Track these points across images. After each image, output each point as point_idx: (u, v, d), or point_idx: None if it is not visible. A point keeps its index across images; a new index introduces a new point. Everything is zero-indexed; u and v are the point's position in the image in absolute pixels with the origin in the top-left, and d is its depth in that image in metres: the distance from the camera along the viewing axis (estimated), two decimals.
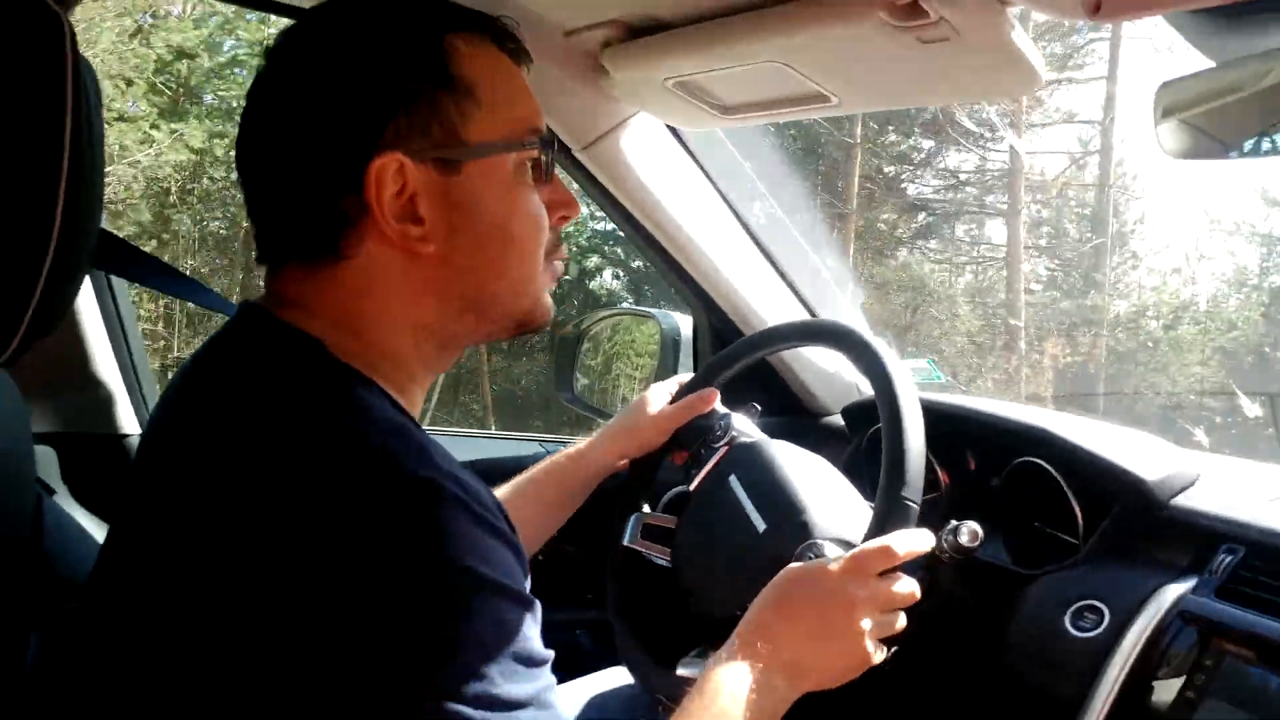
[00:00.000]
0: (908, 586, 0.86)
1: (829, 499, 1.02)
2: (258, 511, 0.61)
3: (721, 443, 1.15)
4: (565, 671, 1.29)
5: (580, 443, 1.20)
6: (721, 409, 1.19)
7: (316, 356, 0.69)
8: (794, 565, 0.87)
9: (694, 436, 1.18)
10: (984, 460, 1.25)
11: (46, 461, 1.30)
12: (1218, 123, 0.74)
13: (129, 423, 1.46)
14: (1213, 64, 0.74)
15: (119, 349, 1.44)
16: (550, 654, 0.66)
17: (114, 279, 1.42)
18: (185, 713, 0.62)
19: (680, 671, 1.00)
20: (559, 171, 0.81)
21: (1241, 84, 0.69)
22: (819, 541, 0.94)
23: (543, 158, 0.76)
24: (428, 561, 0.60)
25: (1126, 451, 1.08)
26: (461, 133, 0.71)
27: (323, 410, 0.66)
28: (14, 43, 0.64)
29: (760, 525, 1.02)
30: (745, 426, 1.17)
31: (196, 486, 0.65)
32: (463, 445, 1.84)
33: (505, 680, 0.60)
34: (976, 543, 0.98)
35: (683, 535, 1.13)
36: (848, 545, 0.93)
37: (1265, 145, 0.72)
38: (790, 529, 0.98)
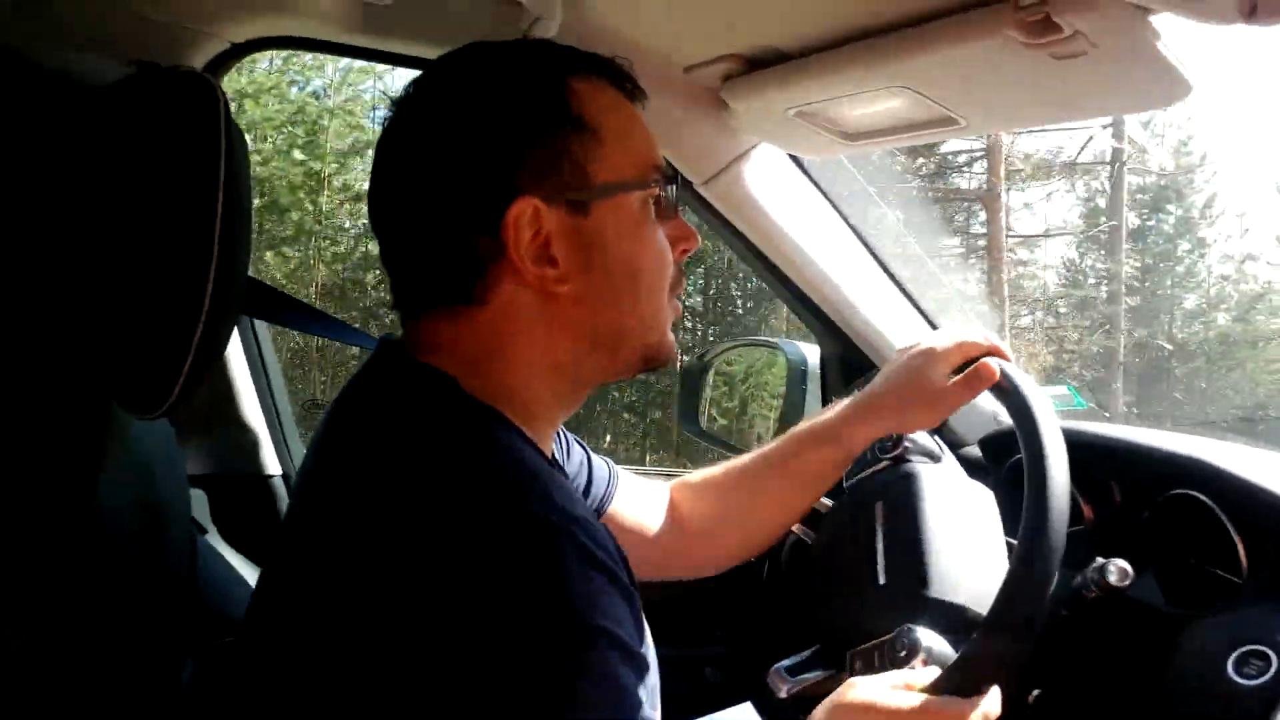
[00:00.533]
0: None
1: (962, 566, 0.95)
2: (388, 546, 0.63)
3: (890, 454, 1.07)
4: (693, 710, 1.29)
5: (830, 414, 1.05)
6: None
7: (450, 393, 0.71)
8: (853, 691, 0.81)
9: None
10: (1131, 492, 1.17)
11: (198, 502, 1.36)
12: None
13: (272, 463, 1.52)
14: None
15: (262, 391, 1.50)
16: (655, 716, 0.65)
17: (257, 321, 1.49)
18: None
19: (770, 677, 0.97)
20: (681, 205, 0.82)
21: None
22: (914, 631, 0.88)
23: (665, 194, 0.77)
24: (546, 611, 0.60)
25: None
26: (589, 173, 0.72)
27: (455, 445, 0.67)
28: (175, 109, 0.68)
29: (882, 578, 0.96)
30: (920, 438, 1.08)
31: (336, 524, 0.67)
32: None
33: None
34: (1126, 581, 0.92)
35: (820, 532, 1.10)
36: (957, 635, 0.87)
37: None
38: (908, 595, 0.93)
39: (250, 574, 1.27)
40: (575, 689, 0.59)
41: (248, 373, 1.48)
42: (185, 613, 0.93)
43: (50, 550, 0.68)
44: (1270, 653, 0.89)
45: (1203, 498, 1.06)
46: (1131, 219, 14.87)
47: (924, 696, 0.79)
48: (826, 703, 0.80)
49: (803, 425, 1.07)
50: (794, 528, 1.11)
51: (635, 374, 0.81)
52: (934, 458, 1.08)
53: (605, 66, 0.76)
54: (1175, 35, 0.83)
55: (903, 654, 0.85)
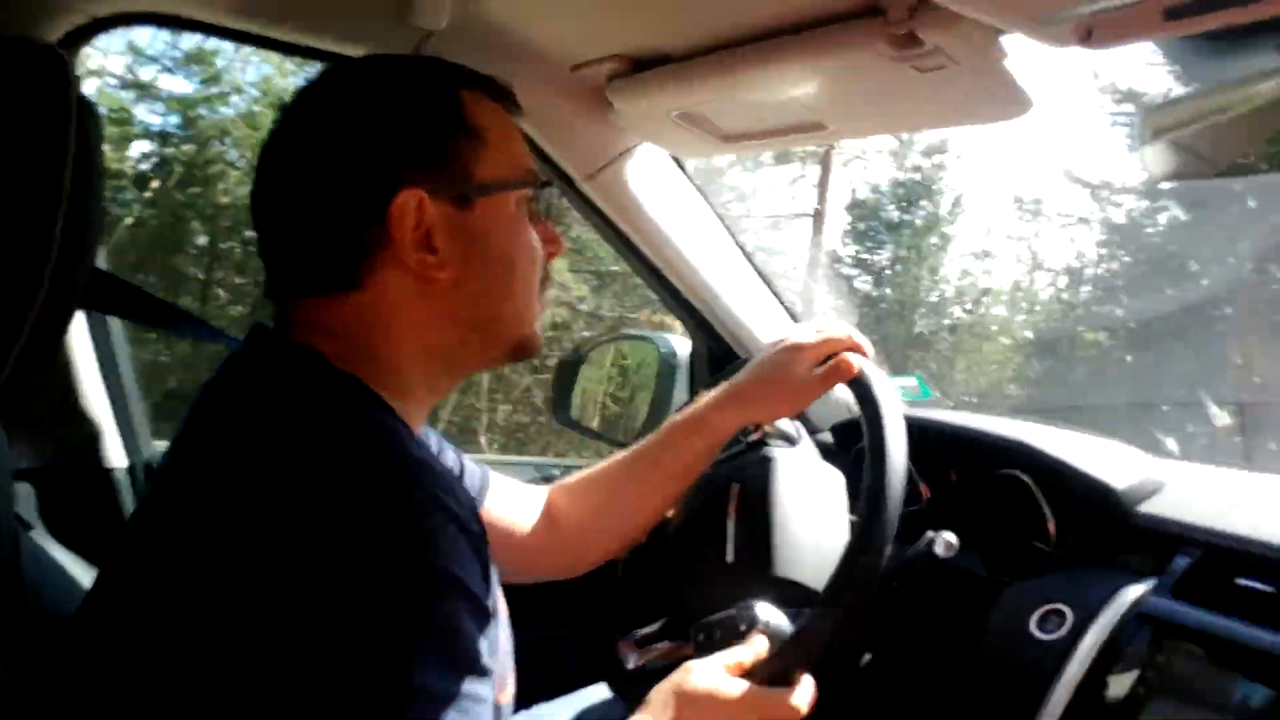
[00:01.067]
0: None
1: (806, 549, 1.00)
2: (249, 509, 0.65)
3: (751, 436, 1.12)
4: (552, 691, 1.30)
5: (699, 404, 1.08)
6: None
7: (317, 366, 0.75)
8: (691, 676, 0.84)
9: None
10: (965, 473, 1.28)
11: (25, 496, 1.28)
12: (1208, 143, 0.78)
13: (116, 456, 1.44)
14: (1196, 87, 0.78)
15: (110, 382, 1.42)
16: (491, 670, 0.68)
17: None
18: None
19: (619, 646, 1.01)
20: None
21: (1230, 105, 0.73)
22: (752, 606, 0.92)
23: (538, 198, 0.84)
24: (399, 555, 0.63)
25: (1097, 460, 1.13)
26: (472, 172, 0.78)
27: (315, 409, 0.71)
28: (18, 83, 0.66)
29: (730, 556, 1.01)
30: (781, 423, 1.13)
31: (198, 498, 0.68)
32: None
33: (442, 677, 0.63)
34: (952, 553, 1.00)
35: (676, 511, 1.13)
36: (795, 614, 0.91)
37: (1254, 163, 0.76)
38: (754, 574, 0.98)
39: (81, 572, 1.20)
40: (420, 634, 0.63)
41: (94, 362, 1.39)
42: (3, 611, 0.88)
43: None
44: (1067, 610, 1.01)
45: (1023, 476, 1.18)
46: (893, 213, 15.74)
47: (748, 685, 0.84)
48: (663, 686, 0.84)
49: (674, 417, 1.12)
50: None
51: (505, 363, 0.87)
52: (791, 441, 1.14)
53: (490, 83, 0.83)
54: (1022, 57, 0.93)
55: (742, 628, 0.90)
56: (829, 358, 1.04)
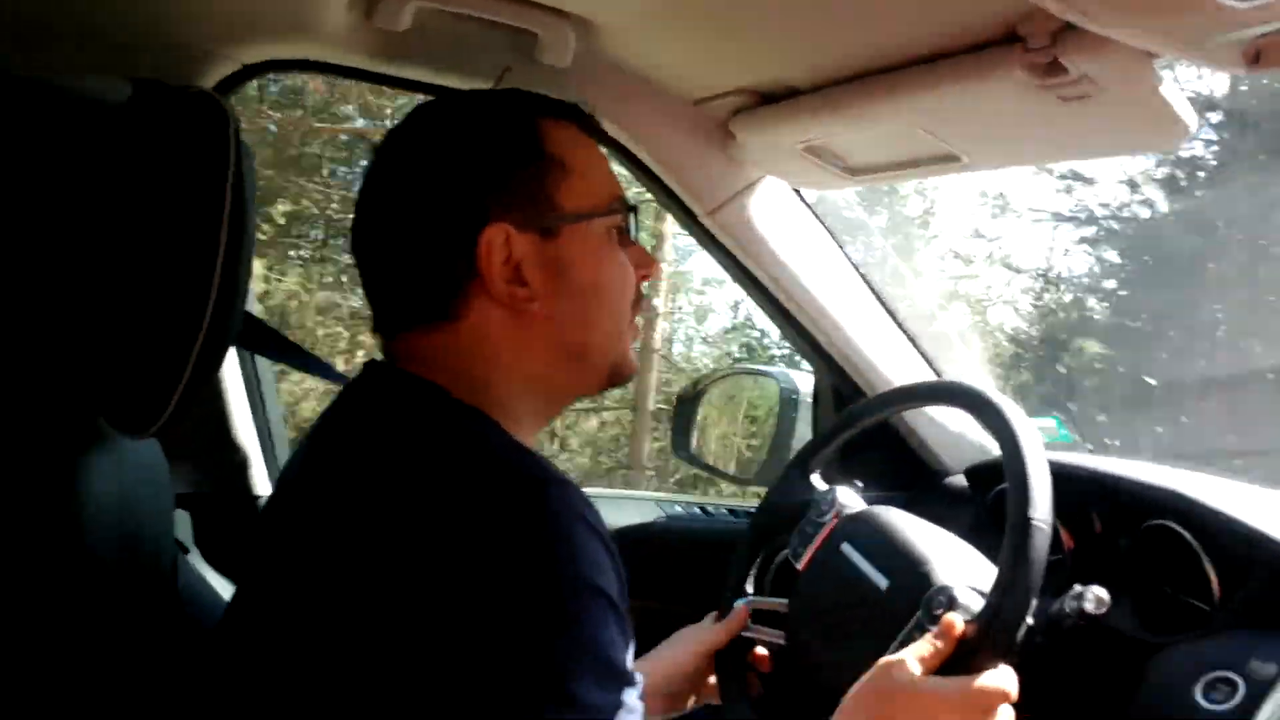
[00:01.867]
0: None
1: (950, 553, 0.99)
2: (389, 529, 0.66)
3: (827, 516, 1.11)
4: None
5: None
6: (823, 485, 1.16)
7: (440, 397, 0.76)
8: (882, 676, 0.83)
9: (797, 515, 1.14)
10: (1111, 522, 1.19)
11: (182, 521, 1.34)
12: None
13: (262, 483, 1.51)
14: None
15: (257, 414, 1.50)
16: (639, 678, 0.68)
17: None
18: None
19: None
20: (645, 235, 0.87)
21: None
22: (948, 585, 0.90)
23: (626, 223, 0.85)
24: (541, 562, 0.64)
25: (1266, 515, 1.03)
26: (557, 203, 0.79)
27: (451, 435, 0.72)
28: (183, 128, 0.69)
29: (882, 583, 0.98)
30: (850, 500, 1.13)
31: (327, 524, 0.70)
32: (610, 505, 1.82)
33: (597, 687, 0.63)
34: (1103, 609, 0.94)
35: (798, 612, 1.10)
36: (979, 591, 0.90)
37: None
38: (914, 579, 0.95)
39: (229, 592, 1.26)
40: (571, 644, 0.63)
41: (243, 393, 1.47)
42: (165, 632, 0.92)
43: (30, 566, 0.67)
44: (1237, 679, 0.91)
45: (1178, 528, 1.08)
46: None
47: (954, 679, 0.82)
48: (857, 690, 0.83)
49: None
50: (757, 635, 1.12)
51: (602, 389, 0.87)
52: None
53: (570, 110, 0.84)
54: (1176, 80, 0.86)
55: (938, 612, 0.88)
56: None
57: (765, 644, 1.12)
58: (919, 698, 0.81)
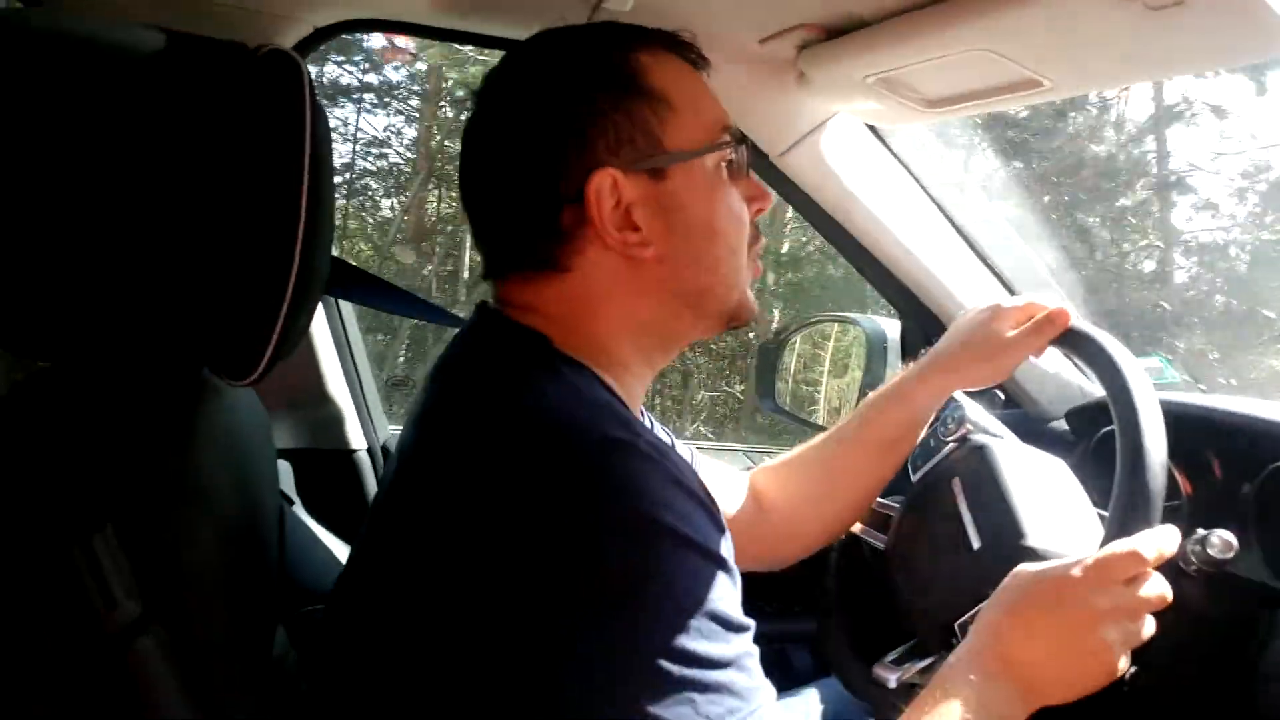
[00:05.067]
0: (1157, 588, 0.76)
1: (1055, 519, 0.93)
2: (475, 484, 0.66)
3: (953, 436, 1.06)
4: (775, 687, 1.28)
5: (896, 377, 1.06)
6: (958, 397, 1.10)
7: (541, 348, 0.75)
8: (1029, 569, 0.78)
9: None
10: (1232, 466, 1.13)
11: (284, 474, 1.39)
12: None
13: (356, 438, 1.56)
14: None
15: (347, 369, 1.54)
16: (751, 623, 0.66)
17: (342, 303, 1.53)
18: (421, 682, 0.66)
19: (876, 670, 0.97)
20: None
21: None
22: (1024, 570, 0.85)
23: (736, 156, 0.80)
24: (618, 512, 0.62)
25: None
26: (663, 140, 0.76)
27: (533, 389, 0.71)
28: (262, 90, 0.70)
29: (975, 542, 0.95)
30: (981, 419, 1.07)
31: (441, 481, 0.70)
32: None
33: (701, 638, 0.61)
34: (1230, 554, 0.89)
35: (900, 528, 1.08)
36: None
37: None
38: (1007, 551, 0.91)
39: (333, 545, 1.30)
40: (663, 589, 0.61)
41: (333, 350, 1.51)
42: (277, 582, 0.96)
43: (152, 517, 0.70)
44: None
45: None
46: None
47: (1100, 554, 0.75)
48: (986, 608, 0.77)
49: (870, 395, 1.07)
50: (860, 532, 1.09)
51: (719, 331, 0.84)
52: (996, 436, 1.06)
53: (669, 39, 0.80)
54: None
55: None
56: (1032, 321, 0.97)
57: (870, 545, 1.09)
58: (1051, 583, 0.75)
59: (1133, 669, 0.90)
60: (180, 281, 0.70)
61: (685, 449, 1.09)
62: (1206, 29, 0.86)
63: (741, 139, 0.81)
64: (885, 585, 1.06)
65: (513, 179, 0.76)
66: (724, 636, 0.63)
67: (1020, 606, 0.76)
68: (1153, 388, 0.89)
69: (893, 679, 0.96)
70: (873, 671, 0.98)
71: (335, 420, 1.53)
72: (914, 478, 1.09)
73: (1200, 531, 0.90)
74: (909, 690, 0.94)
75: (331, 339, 1.51)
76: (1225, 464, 1.14)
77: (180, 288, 0.70)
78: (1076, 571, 0.75)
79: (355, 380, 1.56)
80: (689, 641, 0.61)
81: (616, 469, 0.64)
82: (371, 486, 1.54)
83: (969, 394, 1.10)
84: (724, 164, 0.79)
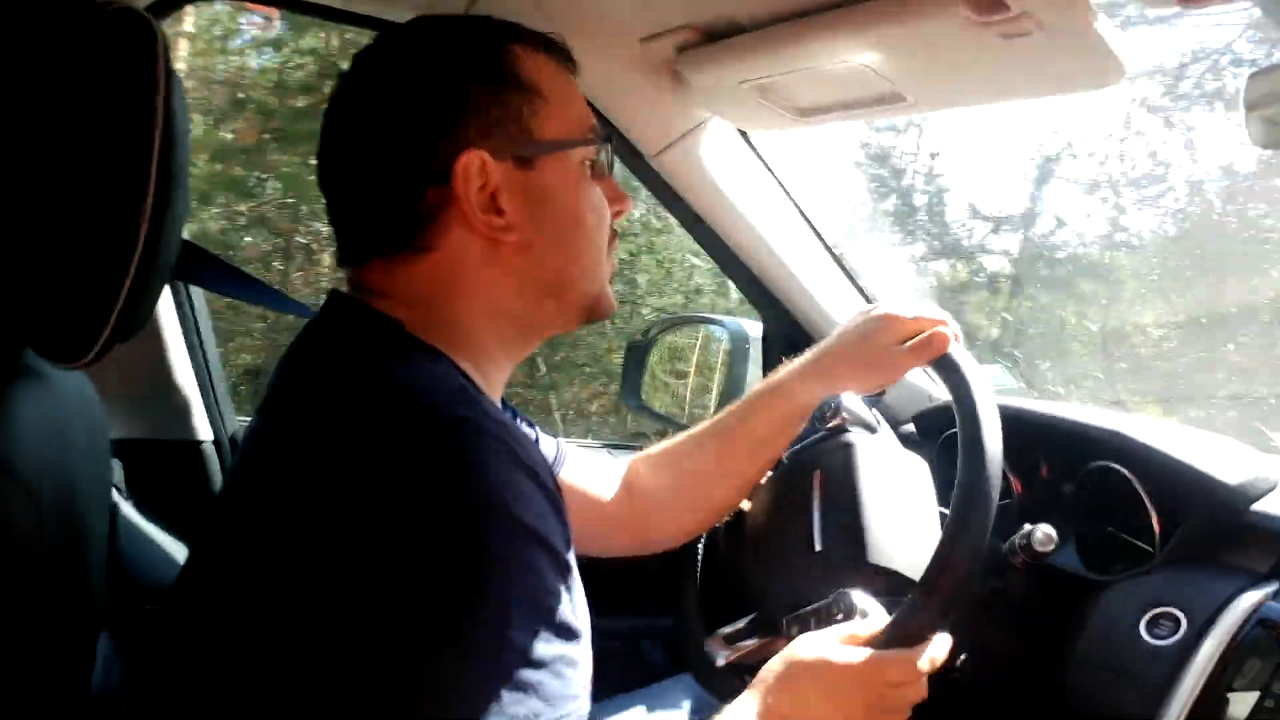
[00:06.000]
0: (919, 694, 0.82)
1: (898, 533, 0.96)
2: (319, 469, 0.65)
3: (828, 425, 1.08)
4: (630, 682, 1.29)
5: (781, 373, 1.06)
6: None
7: (394, 334, 0.74)
8: (815, 642, 0.83)
9: None
10: (1057, 466, 1.23)
11: (114, 469, 1.30)
12: None
13: (203, 429, 1.48)
14: None
15: (195, 356, 1.46)
16: (580, 631, 0.66)
17: (192, 287, 1.44)
18: (257, 679, 0.64)
19: (708, 644, 0.99)
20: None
21: None
22: (849, 594, 0.89)
23: (602, 155, 0.83)
24: (461, 494, 0.62)
25: (1204, 456, 1.06)
26: (534, 130, 0.77)
27: (386, 375, 0.70)
28: (109, 51, 0.66)
29: (818, 544, 0.98)
30: (858, 410, 1.09)
31: (288, 472, 0.68)
32: None
33: (521, 632, 0.61)
34: (1050, 546, 0.96)
35: (758, 498, 1.10)
36: (891, 597, 0.89)
37: None
38: (844, 561, 0.95)
39: (167, 542, 1.23)
40: (496, 576, 0.61)
41: (179, 336, 1.43)
42: (101, 582, 0.90)
43: None
44: (1179, 614, 0.95)
45: (1121, 469, 1.11)
46: None
47: (872, 651, 0.81)
48: (777, 660, 0.82)
49: (756, 387, 1.09)
50: None
51: (579, 324, 0.86)
52: (871, 429, 1.10)
53: (544, 39, 0.81)
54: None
55: (839, 617, 0.87)
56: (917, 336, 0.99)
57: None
58: (834, 668, 0.80)
59: (963, 657, 0.96)
60: (4, 252, 0.65)
61: (550, 439, 1.09)
62: (1053, 60, 0.93)
63: (608, 140, 0.83)
64: (738, 551, 1.09)
65: (381, 155, 0.76)
66: (545, 636, 0.63)
67: (798, 676, 0.81)
68: (993, 393, 0.95)
69: (721, 657, 0.99)
70: (705, 643, 1.00)
71: (181, 410, 1.45)
72: (784, 456, 1.11)
73: (1026, 527, 0.97)
74: (738, 670, 0.97)
75: (179, 324, 1.43)
76: (1052, 465, 1.23)
77: (4, 259, 0.65)
78: (855, 660, 0.80)
79: (204, 368, 1.48)
80: (508, 632, 0.61)
81: (462, 450, 0.64)
82: (219, 479, 1.47)
83: None
84: (589, 162, 0.81)
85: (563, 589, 0.65)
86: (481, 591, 0.61)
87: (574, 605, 0.67)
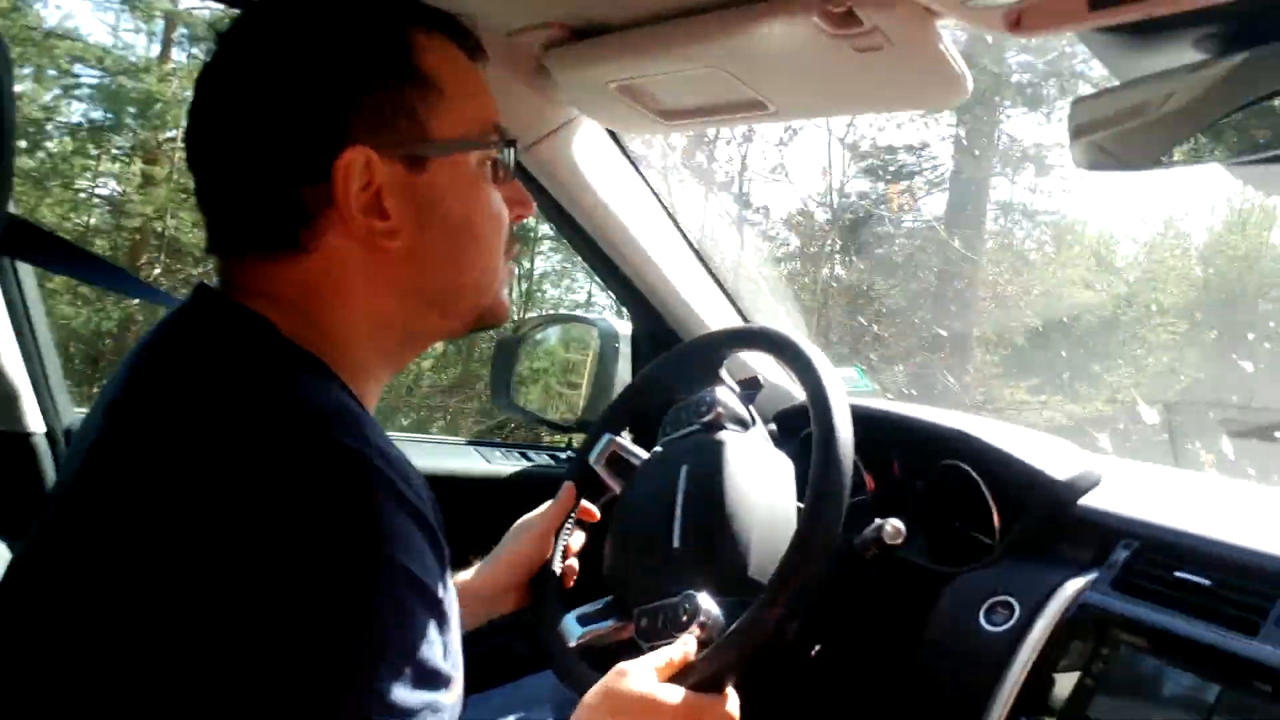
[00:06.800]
0: None
1: (753, 536, 0.97)
2: (176, 486, 0.59)
3: (703, 419, 1.08)
4: (497, 677, 1.28)
5: (466, 574, 1.06)
6: (722, 375, 1.13)
7: (266, 336, 0.68)
8: (636, 674, 0.82)
9: (680, 402, 1.13)
10: (909, 464, 1.28)
11: None
12: (1124, 146, 0.77)
13: (34, 421, 1.37)
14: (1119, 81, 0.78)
15: (24, 342, 1.35)
16: (453, 677, 0.64)
17: (19, 265, 1.33)
18: (109, 703, 0.59)
19: (565, 621, 1.00)
20: None
21: (1148, 104, 0.73)
22: (695, 597, 0.90)
23: (502, 156, 0.77)
24: (342, 542, 0.58)
25: (1039, 453, 1.14)
26: (427, 128, 0.71)
27: (260, 383, 0.64)
28: None
29: (676, 542, 0.99)
30: (733, 405, 1.09)
31: (128, 471, 0.62)
32: (427, 452, 1.73)
33: (393, 679, 0.58)
34: (899, 540, 1.00)
35: (627, 487, 1.10)
36: (737, 604, 0.90)
37: (1168, 164, 0.75)
38: (695, 563, 0.96)
39: None
40: (373, 634, 0.58)
41: (7, 321, 1.33)
42: None
43: None
44: (1014, 602, 1.02)
45: (967, 467, 1.18)
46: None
47: (682, 692, 0.81)
48: (596, 690, 0.81)
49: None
50: (609, 481, 1.12)
51: (468, 331, 0.80)
52: (745, 425, 1.11)
53: (449, 23, 0.75)
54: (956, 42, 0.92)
55: (684, 619, 0.89)
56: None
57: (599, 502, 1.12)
58: (649, 706, 0.80)
59: (817, 648, 1.00)
60: None
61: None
62: (904, 75, 0.98)
63: (511, 141, 0.77)
64: (605, 531, 1.09)
65: (255, 142, 0.68)
66: (417, 684, 0.59)
67: (617, 711, 0.81)
68: (846, 393, 0.99)
69: (573, 638, 0.99)
70: (562, 620, 1.00)
71: (8, 399, 1.35)
72: (658, 443, 1.11)
73: (877, 521, 1.02)
74: (588, 654, 0.98)
75: (5, 307, 1.33)
76: (904, 463, 1.29)
77: None
78: (672, 701, 0.80)
79: (35, 355, 1.37)
80: (377, 680, 0.57)
81: (348, 489, 0.59)
82: (50, 474, 1.38)
83: (732, 377, 1.14)
84: (489, 163, 0.75)
85: (437, 634, 0.62)
86: (352, 643, 0.57)
87: (448, 647, 0.63)
